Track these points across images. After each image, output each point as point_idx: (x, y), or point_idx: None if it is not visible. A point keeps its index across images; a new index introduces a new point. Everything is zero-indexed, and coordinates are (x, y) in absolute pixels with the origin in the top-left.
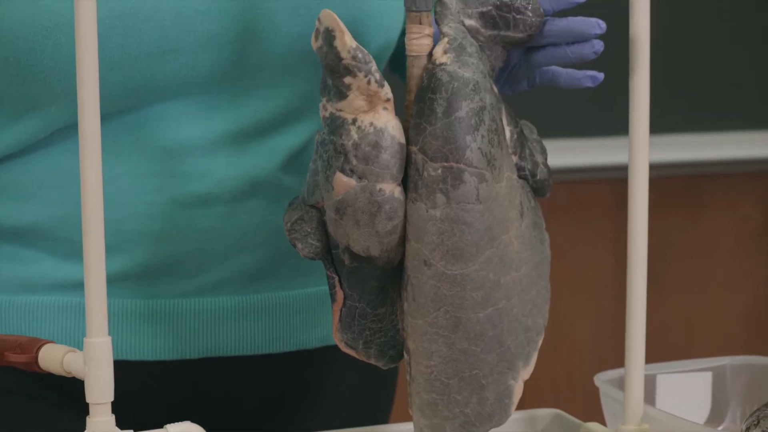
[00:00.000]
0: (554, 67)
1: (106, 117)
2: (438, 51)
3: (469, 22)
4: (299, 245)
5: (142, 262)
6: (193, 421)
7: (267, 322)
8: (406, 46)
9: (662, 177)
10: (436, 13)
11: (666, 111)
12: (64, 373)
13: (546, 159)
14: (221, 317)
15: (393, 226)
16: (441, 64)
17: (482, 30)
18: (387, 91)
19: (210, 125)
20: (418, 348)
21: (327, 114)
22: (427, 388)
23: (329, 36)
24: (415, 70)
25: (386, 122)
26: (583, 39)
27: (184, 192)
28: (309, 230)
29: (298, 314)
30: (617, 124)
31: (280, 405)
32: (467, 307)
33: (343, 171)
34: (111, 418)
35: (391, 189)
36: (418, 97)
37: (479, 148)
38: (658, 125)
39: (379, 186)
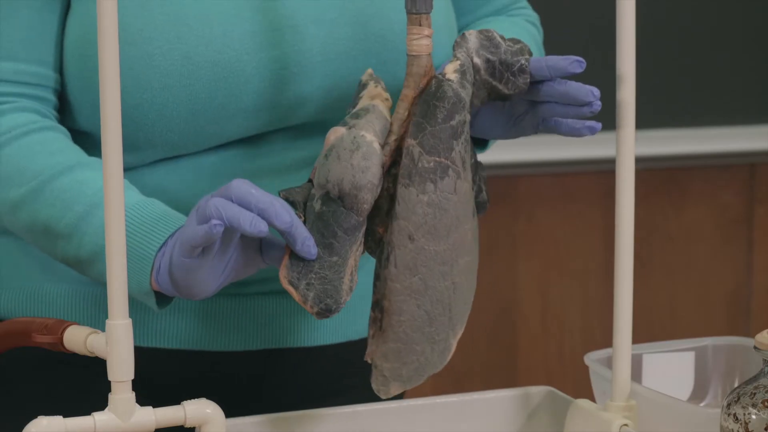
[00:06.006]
0: (556, 118)
1: (194, 153)
2: (449, 68)
3: (476, 60)
4: (282, 192)
5: None
6: (248, 405)
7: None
8: (407, 46)
9: (647, 169)
10: (455, 42)
11: (650, 108)
12: (87, 353)
13: (486, 190)
14: (284, 313)
15: (366, 165)
16: (449, 80)
17: (482, 72)
18: (387, 93)
19: (284, 155)
20: (393, 306)
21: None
22: (394, 338)
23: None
24: (415, 68)
25: (381, 106)
26: (578, 104)
27: None
28: (297, 189)
29: (344, 310)
30: (605, 120)
31: (331, 389)
32: (435, 277)
33: (338, 125)
34: (132, 395)
35: (371, 138)
36: (424, 100)
37: (459, 151)
38: (642, 121)
39: (362, 132)
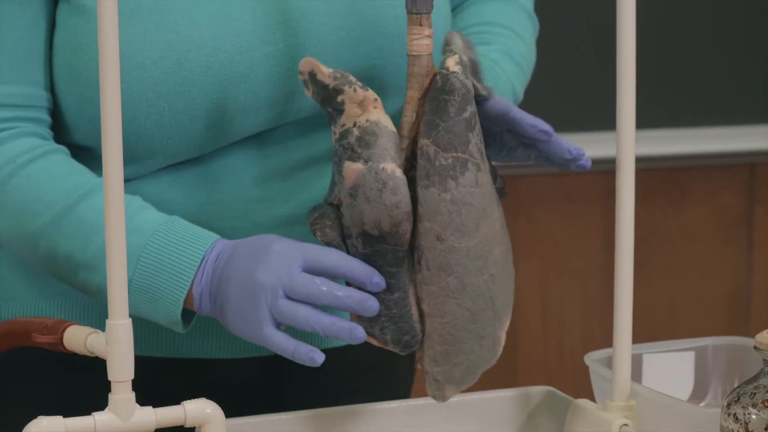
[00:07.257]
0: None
1: (198, 158)
2: (451, 62)
3: (463, 57)
4: (318, 233)
5: None
6: (253, 410)
7: None
8: (407, 46)
9: (647, 169)
10: (445, 40)
11: (650, 108)
12: (87, 353)
13: (500, 175)
14: None
15: (398, 200)
16: (454, 72)
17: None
18: (372, 93)
19: (290, 155)
20: (433, 309)
21: (337, 135)
22: (440, 341)
23: (313, 76)
24: (416, 68)
25: (378, 116)
26: (558, 158)
27: (267, 215)
28: (328, 223)
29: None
30: (605, 120)
31: (339, 392)
32: (471, 273)
33: (351, 159)
34: (132, 395)
35: (392, 168)
36: (432, 96)
37: (476, 143)
38: (642, 121)
39: (381, 165)
